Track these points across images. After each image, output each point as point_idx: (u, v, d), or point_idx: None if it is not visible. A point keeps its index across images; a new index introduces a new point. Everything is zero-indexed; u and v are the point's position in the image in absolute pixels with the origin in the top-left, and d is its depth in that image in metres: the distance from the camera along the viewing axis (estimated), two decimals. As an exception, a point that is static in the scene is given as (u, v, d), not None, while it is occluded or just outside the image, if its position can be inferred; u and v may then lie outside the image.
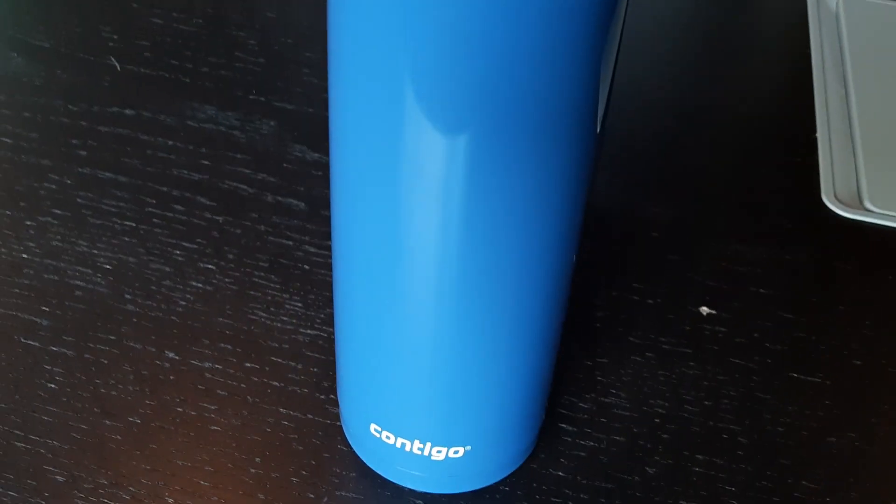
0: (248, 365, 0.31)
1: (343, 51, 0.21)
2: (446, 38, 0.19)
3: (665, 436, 0.30)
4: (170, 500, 0.27)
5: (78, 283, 0.33)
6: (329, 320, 0.33)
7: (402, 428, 0.26)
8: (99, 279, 0.34)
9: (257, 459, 0.29)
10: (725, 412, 0.31)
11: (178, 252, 0.35)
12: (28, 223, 0.35)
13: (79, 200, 0.36)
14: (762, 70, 0.47)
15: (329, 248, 0.35)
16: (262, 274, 0.34)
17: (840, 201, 0.39)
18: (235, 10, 0.47)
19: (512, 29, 0.18)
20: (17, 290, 0.33)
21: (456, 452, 0.27)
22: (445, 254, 0.22)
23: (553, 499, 0.28)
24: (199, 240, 0.35)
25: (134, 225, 0.36)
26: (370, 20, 0.19)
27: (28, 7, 0.46)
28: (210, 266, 0.34)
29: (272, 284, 0.34)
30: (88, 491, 0.28)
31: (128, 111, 0.40)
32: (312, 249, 0.35)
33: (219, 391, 0.30)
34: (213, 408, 0.30)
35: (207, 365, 0.31)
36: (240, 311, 0.33)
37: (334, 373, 0.31)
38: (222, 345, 0.32)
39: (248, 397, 0.30)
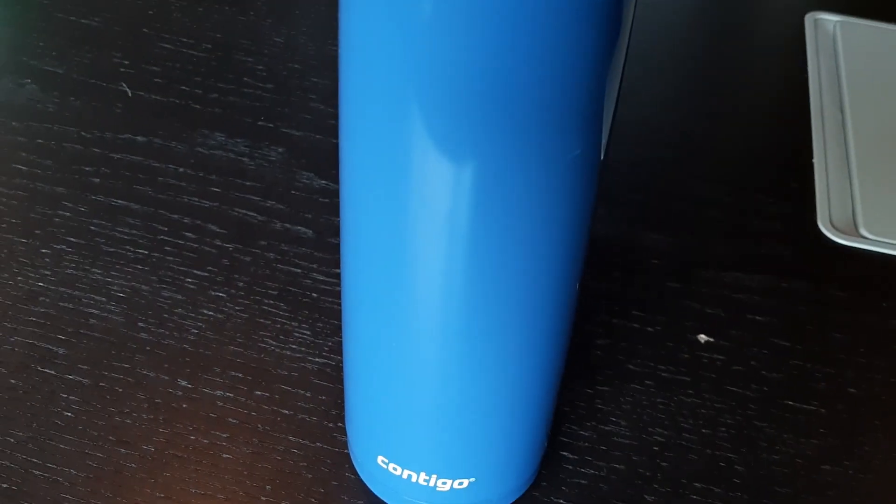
0: (259, 393, 0.32)
1: (353, 81, 0.21)
2: (453, 71, 0.19)
3: (664, 464, 0.31)
4: (183, 528, 0.28)
5: (92, 311, 0.34)
6: (336, 348, 0.34)
7: (408, 460, 0.27)
8: (113, 307, 0.34)
9: (268, 487, 0.30)
10: (723, 440, 0.32)
11: (189, 280, 0.36)
12: (43, 251, 0.36)
13: (92, 228, 0.37)
14: (760, 93, 0.48)
15: (336, 276, 0.36)
16: (272, 302, 0.35)
17: (836, 228, 0.40)
18: (243, 35, 0.48)
19: (519, 62, 0.19)
20: (33, 319, 0.34)
21: (461, 484, 0.27)
22: (452, 286, 0.23)
23: (555, 527, 0.29)
24: (209, 268, 0.36)
25: (146, 253, 0.36)
26: (380, 51, 0.20)
27: (40, 33, 0.47)
28: (221, 294, 0.35)
29: (281, 312, 0.35)
30: (105, 519, 0.28)
31: (139, 138, 0.41)
32: (320, 277, 0.36)
33: (230, 419, 0.31)
34: (224, 436, 0.31)
35: (219, 393, 0.32)
36: (250, 339, 0.34)
37: (342, 401, 0.32)
38: (233, 373, 0.33)
39: (259, 425, 0.31)
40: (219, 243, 0.37)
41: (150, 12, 0.49)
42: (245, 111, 0.43)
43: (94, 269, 0.36)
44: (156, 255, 0.36)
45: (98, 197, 0.39)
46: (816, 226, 0.40)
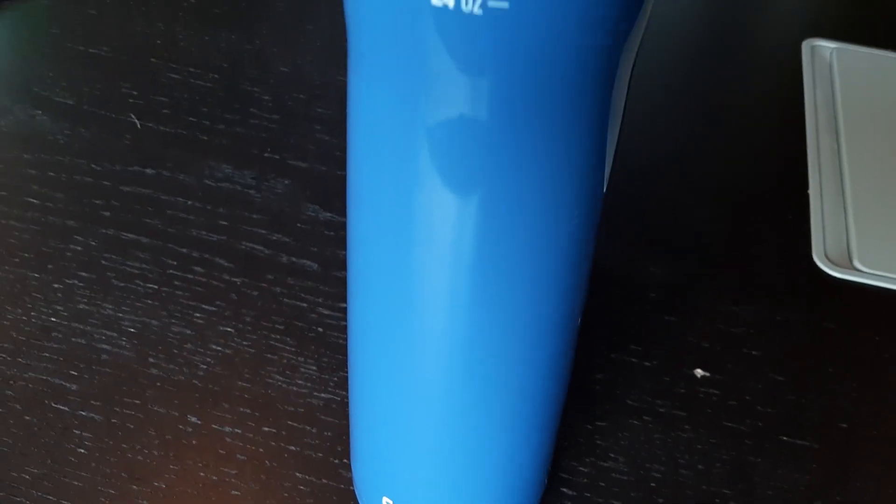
0: (266, 429, 0.33)
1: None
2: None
3: (660, 500, 0.32)
4: (194, 565, 0.29)
5: (104, 346, 0.35)
6: (342, 383, 0.35)
7: (412, 500, 0.28)
8: (124, 342, 0.35)
9: (276, 524, 0.31)
10: (718, 476, 0.33)
11: (198, 315, 0.37)
12: (56, 286, 0.37)
13: (103, 262, 0.38)
14: (757, 121, 0.48)
15: (341, 310, 0.37)
16: (279, 337, 0.36)
17: (830, 260, 0.41)
18: (249, 64, 0.48)
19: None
20: (46, 355, 0.35)
21: (463, 523, 0.28)
22: (457, 324, 0.24)
23: (554, 563, 0.30)
24: (218, 302, 0.37)
25: (156, 287, 0.37)
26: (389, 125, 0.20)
27: (50, 62, 0.47)
28: (229, 329, 0.36)
29: (288, 347, 0.36)
30: (118, 556, 0.29)
31: (148, 170, 0.42)
32: (326, 311, 0.37)
33: (238, 455, 0.32)
34: (233, 472, 0.32)
35: (227, 429, 0.33)
36: (257, 374, 0.35)
37: (347, 437, 0.33)
38: (241, 409, 0.34)
39: (267, 461, 0.32)
40: (227, 277, 0.38)
41: (158, 41, 0.49)
42: (252, 142, 0.44)
43: (105, 304, 0.37)
44: (165, 289, 0.37)
45: (108, 230, 0.39)
46: (811, 258, 0.41)
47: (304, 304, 0.37)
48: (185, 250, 0.39)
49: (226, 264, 0.39)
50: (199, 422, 0.33)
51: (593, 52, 0.17)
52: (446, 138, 0.19)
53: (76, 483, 0.31)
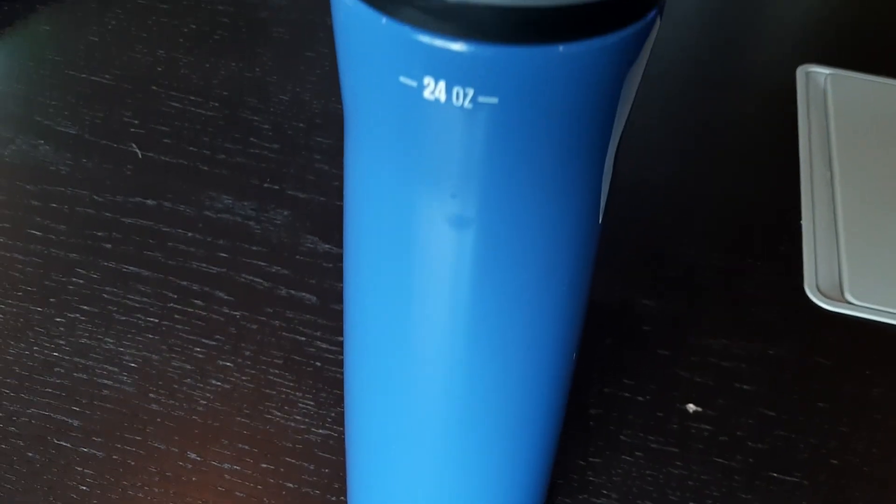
0: (265, 466, 0.34)
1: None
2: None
3: (651, 537, 0.33)
4: None
5: (105, 381, 0.36)
6: (339, 419, 0.35)
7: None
8: (125, 378, 0.36)
9: (273, 562, 0.31)
10: (708, 513, 0.34)
11: (198, 349, 0.37)
12: (58, 320, 0.38)
13: (105, 296, 0.39)
14: (752, 149, 0.49)
15: (338, 344, 0.38)
16: (277, 371, 0.37)
17: (822, 293, 0.41)
18: (250, 92, 0.49)
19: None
20: (49, 390, 0.35)
21: (457, 562, 0.29)
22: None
23: None
24: (217, 336, 0.38)
25: (157, 321, 0.38)
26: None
27: (53, 90, 0.48)
28: (228, 364, 0.37)
29: (286, 382, 0.36)
30: None
31: (149, 201, 0.43)
32: (324, 345, 0.38)
33: (237, 493, 0.33)
34: (232, 509, 0.32)
35: (226, 466, 0.34)
36: (256, 410, 0.35)
37: (344, 474, 0.33)
38: (240, 445, 0.34)
39: (265, 499, 0.33)
40: (226, 311, 0.39)
41: (159, 68, 0.50)
42: (251, 172, 0.45)
43: (106, 339, 0.37)
44: (166, 323, 0.38)
45: (110, 263, 0.40)
46: (803, 290, 0.41)
47: (303, 338, 0.38)
48: (185, 283, 0.39)
49: (225, 297, 0.39)
50: (198, 458, 0.34)
51: (580, 138, 0.18)
52: (439, 216, 0.20)
53: (78, 521, 0.32)
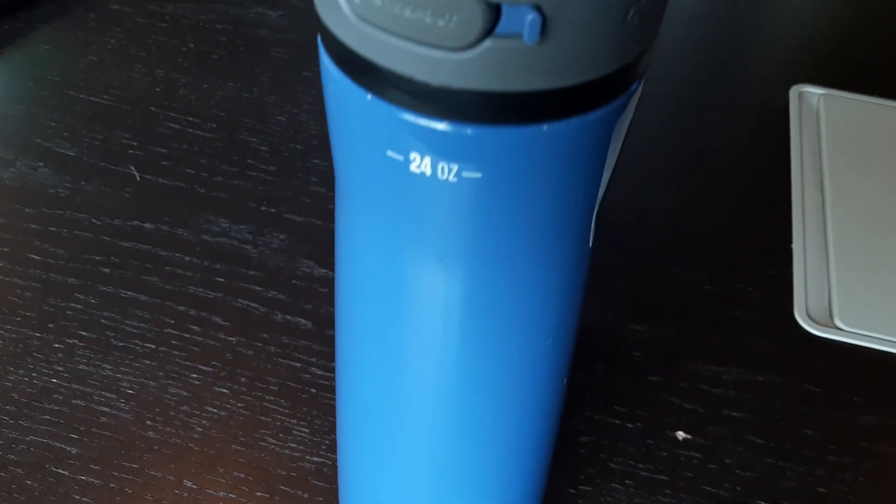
0: (260, 494, 0.34)
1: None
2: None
3: (640, 567, 0.33)
4: None
5: (103, 409, 0.36)
6: (333, 447, 0.36)
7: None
8: (122, 405, 0.36)
9: (268, 592, 0.32)
10: (696, 542, 0.34)
11: (195, 376, 0.38)
12: (56, 346, 0.38)
13: (103, 321, 0.39)
14: (744, 170, 0.49)
15: (333, 370, 0.38)
16: (272, 398, 0.37)
17: (812, 319, 0.42)
18: (247, 113, 0.49)
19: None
20: (47, 417, 0.36)
21: None
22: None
23: None
24: (214, 362, 0.38)
25: (154, 347, 0.38)
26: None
27: (52, 112, 0.48)
28: (224, 390, 0.37)
29: (281, 409, 0.37)
30: None
31: (147, 225, 0.43)
32: (319, 372, 0.38)
33: (233, 521, 0.33)
34: (227, 538, 0.33)
35: (222, 494, 0.34)
36: (252, 437, 0.36)
37: (337, 502, 0.34)
38: (236, 473, 0.35)
39: (260, 527, 0.33)
40: (223, 336, 0.39)
41: (157, 89, 0.50)
42: (248, 195, 0.45)
43: (104, 365, 0.38)
44: (163, 349, 0.38)
45: (108, 288, 0.40)
46: (793, 315, 0.42)
47: (298, 364, 0.38)
48: (182, 308, 0.40)
49: (222, 323, 0.40)
50: (194, 486, 0.34)
51: (564, 206, 0.18)
52: (426, 276, 0.20)
53: (75, 550, 0.32)
